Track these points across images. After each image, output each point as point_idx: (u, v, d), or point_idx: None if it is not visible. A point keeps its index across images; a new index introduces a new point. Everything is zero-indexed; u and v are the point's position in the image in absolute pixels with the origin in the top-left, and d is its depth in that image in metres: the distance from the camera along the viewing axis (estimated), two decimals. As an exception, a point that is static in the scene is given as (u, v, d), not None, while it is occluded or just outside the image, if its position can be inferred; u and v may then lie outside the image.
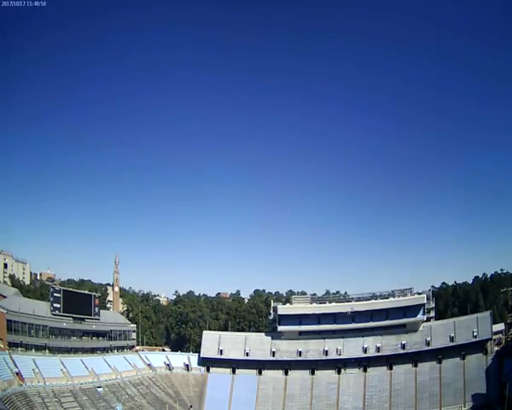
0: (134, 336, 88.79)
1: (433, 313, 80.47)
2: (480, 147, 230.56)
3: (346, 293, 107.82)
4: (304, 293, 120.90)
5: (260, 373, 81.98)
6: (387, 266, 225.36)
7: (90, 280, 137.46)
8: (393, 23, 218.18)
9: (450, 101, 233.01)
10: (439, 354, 74.49)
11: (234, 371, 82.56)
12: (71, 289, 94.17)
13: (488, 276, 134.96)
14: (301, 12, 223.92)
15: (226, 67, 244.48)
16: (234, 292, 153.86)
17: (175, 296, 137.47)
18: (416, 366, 75.28)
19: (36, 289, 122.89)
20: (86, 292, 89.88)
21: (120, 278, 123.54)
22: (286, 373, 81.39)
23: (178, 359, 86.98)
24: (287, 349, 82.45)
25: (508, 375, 61.97)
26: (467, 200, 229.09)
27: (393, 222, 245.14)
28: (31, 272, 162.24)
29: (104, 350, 76.00)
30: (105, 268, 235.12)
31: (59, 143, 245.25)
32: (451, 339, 74.23)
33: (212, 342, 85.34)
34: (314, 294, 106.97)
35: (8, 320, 58.19)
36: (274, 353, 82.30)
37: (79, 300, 77.22)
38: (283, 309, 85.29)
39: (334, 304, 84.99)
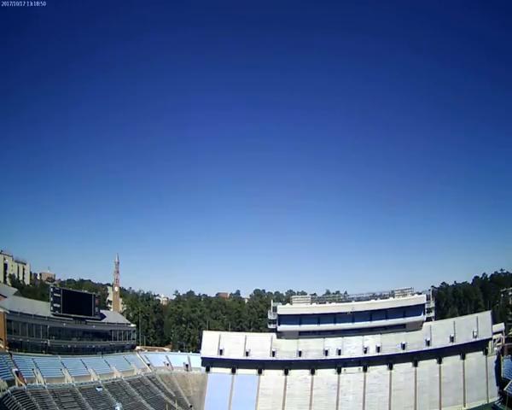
0: (134, 336, 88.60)
1: (433, 313, 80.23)
2: (480, 148, 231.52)
3: (346, 293, 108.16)
4: (304, 293, 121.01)
5: (260, 373, 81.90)
6: (387, 266, 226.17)
7: (90, 280, 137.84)
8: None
9: (451, 102, 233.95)
10: (439, 354, 74.45)
11: (234, 371, 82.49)
12: (71, 289, 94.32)
13: (488, 276, 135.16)
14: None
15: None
16: (234, 292, 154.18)
17: (175, 296, 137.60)
18: (416, 365, 75.24)
19: (36, 289, 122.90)
20: (86, 292, 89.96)
21: (120, 278, 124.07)
22: (286, 373, 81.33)
23: (178, 359, 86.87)
24: (287, 349, 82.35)
25: (508, 375, 61.95)
26: (467, 200, 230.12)
27: (393, 222, 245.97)
28: (31, 272, 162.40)
29: (104, 350, 75.78)
30: (105, 268, 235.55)
31: (59, 143, 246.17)
32: (451, 339, 74.14)
33: (212, 342, 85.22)
34: (314, 294, 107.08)
35: (8, 320, 57.94)
36: (274, 353, 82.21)
37: (79, 300, 77.05)
38: (283, 309, 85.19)
39: (334, 304, 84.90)
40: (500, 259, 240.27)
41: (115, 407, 59.05)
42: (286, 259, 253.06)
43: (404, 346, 76.78)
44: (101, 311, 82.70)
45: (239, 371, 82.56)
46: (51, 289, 71.77)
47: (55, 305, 68.85)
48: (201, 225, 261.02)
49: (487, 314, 77.46)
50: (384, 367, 76.99)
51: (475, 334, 72.39)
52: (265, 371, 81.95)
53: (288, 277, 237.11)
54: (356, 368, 78.42)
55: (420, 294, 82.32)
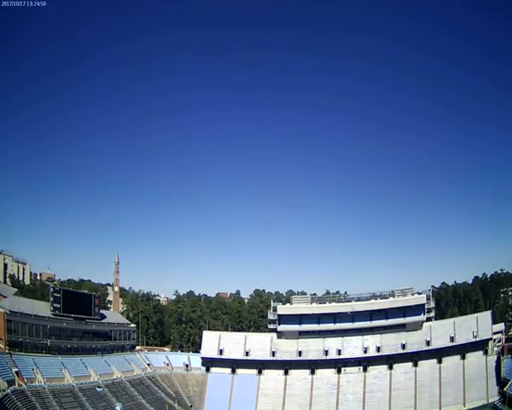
0: (134, 336, 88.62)
1: (433, 313, 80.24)
2: (481, 147, 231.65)
3: (346, 293, 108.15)
4: (304, 293, 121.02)
5: (260, 373, 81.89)
6: (387, 266, 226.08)
7: (90, 280, 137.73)
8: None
9: (451, 102, 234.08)
10: (439, 354, 74.44)
11: (234, 371, 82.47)
12: (71, 289, 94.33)
13: (488, 276, 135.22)
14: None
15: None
16: (234, 292, 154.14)
17: (175, 296, 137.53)
18: (416, 365, 75.23)
19: (36, 289, 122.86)
20: (86, 292, 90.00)
21: (120, 278, 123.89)
22: (286, 373, 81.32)
23: (178, 359, 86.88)
24: (287, 349, 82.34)
25: (508, 375, 61.95)
26: (467, 200, 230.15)
27: (393, 222, 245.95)
28: (31, 272, 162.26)
29: (104, 350, 75.78)
30: (105, 268, 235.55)
31: (59, 143, 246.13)
32: (451, 339, 74.14)
33: (212, 342, 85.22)
34: (314, 294, 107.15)
35: (8, 320, 57.91)
36: (274, 353, 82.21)
37: (79, 300, 77.04)
38: (283, 309, 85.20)
39: (334, 304, 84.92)
40: (500, 259, 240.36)
41: (115, 407, 59.05)
42: (286, 259, 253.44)
43: (404, 346, 76.77)
44: (101, 311, 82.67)
45: (239, 371, 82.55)
46: (51, 289, 71.73)
47: (55, 305, 68.81)
48: (201, 225, 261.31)
49: (487, 314, 77.43)
50: (384, 367, 76.98)
51: (475, 334, 72.39)
52: (265, 371, 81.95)
53: (288, 277, 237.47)
54: (356, 368, 78.41)
55: (420, 294, 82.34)
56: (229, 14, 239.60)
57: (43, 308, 68.23)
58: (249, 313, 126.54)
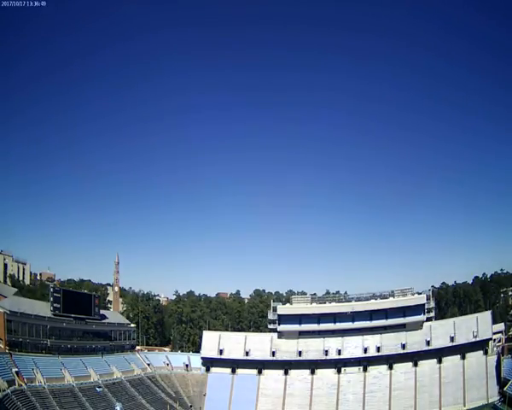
0: (134, 336, 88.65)
1: (433, 313, 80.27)
2: (481, 146, 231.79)
3: (346, 293, 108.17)
4: (304, 293, 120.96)
5: (260, 373, 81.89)
6: (387, 266, 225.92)
7: (90, 280, 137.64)
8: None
9: (453, 100, 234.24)
10: (439, 354, 74.45)
11: (234, 371, 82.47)
12: (71, 289, 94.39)
13: (488, 276, 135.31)
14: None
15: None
16: (234, 292, 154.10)
17: (175, 296, 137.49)
18: (416, 365, 75.23)
19: (36, 289, 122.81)
20: (86, 292, 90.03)
21: (120, 278, 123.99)
22: (286, 373, 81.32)
23: (178, 359, 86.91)
24: (287, 349, 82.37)
25: (508, 375, 61.96)
26: (467, 200, 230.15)
27: (393, 222, 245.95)
28: (31, 272, 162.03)
29: (104, 350, 75.81)
30: (105, 268, 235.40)
31: (59, 143, 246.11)
32: (451, 339, 74.15)
33: (212, 342, 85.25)
34: (314, 294, 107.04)
35: (8, 320, 57.92)
36: (274, 353, 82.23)
37: (79, 300, 77.06)
38: (283, 309, 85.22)
39: (334, 304, 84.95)
40: (500, 259, 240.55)
41: (115, 407, 59.09)
42: (286, 259, 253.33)
43: (404, 346, 76.79)
44: (102, 311, 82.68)
45: (239, 371, 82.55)
46: (51, 289, 71.71)
47: (55, 305, 68.81)
48: (201, 225, 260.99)
49: (487, 314, 77.44)
50: (384, 367, 76.99)
51: (475, 334, 72.40)
52: (265, 371, 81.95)
53: (288, 277, 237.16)
54: (356, 368, 78.41)
55: (420, 294, 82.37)
56: (229, 14, 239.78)
57: (43, 308, 68.24)
58: (249, 313, 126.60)
